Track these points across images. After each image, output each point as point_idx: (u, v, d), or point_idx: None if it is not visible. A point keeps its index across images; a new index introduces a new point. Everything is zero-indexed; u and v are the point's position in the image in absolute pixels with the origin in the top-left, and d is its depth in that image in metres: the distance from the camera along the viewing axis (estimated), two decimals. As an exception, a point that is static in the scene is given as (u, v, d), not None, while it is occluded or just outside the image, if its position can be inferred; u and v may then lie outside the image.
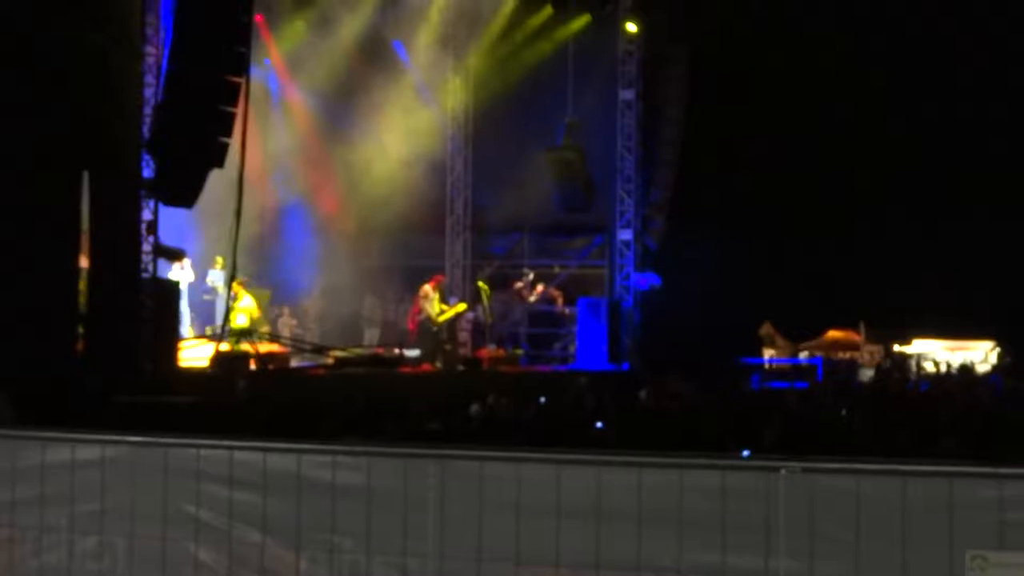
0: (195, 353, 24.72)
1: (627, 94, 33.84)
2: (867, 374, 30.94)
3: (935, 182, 32.31)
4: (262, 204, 30.75)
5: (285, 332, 30.80)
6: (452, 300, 31.79)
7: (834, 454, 9.06)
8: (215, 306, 28.49)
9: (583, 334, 32.70)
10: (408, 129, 34.02)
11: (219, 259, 28.36)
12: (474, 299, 32.88)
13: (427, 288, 30.57)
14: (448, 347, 30.70)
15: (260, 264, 30.19)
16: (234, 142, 21.45)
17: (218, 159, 21.31)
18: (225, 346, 23.85)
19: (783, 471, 8.39)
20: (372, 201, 33.24)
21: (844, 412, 18.58)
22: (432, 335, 30.47)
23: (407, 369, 27.65)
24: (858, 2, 32.25)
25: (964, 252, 31.79)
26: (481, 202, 35.60)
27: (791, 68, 32.62)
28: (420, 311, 30.92)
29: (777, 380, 29.60)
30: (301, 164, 34.00)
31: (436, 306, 30.39)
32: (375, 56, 33.68)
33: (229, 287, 24.46)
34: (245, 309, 27.43)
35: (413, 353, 29.89)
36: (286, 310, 32.08)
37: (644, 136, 33.92)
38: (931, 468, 8.41)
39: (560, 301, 34.33)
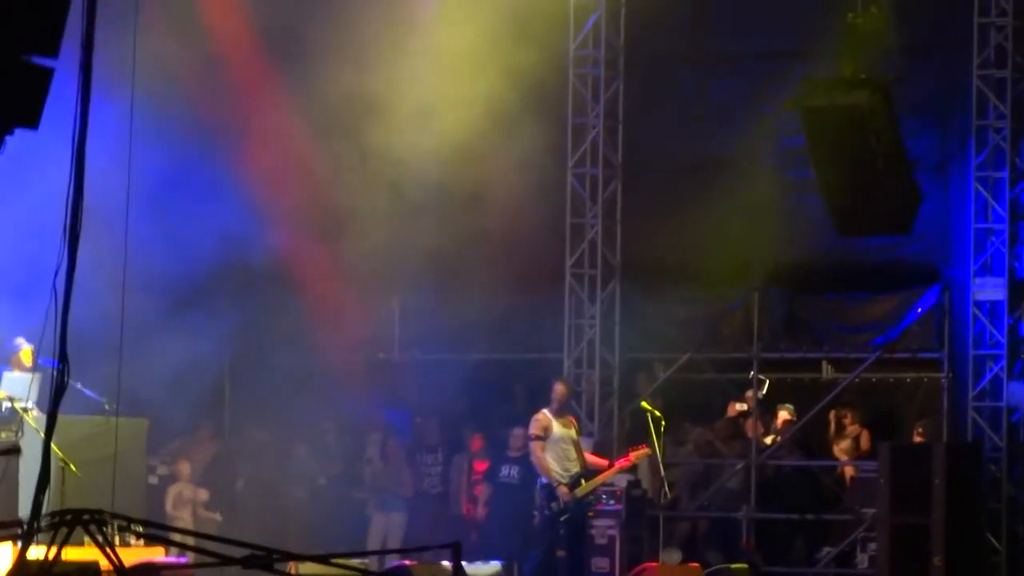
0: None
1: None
2: None
3: None
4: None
5: (185, 516, 21.46)
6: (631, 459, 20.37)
7: None
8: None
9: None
10: (473, 58, 20.62)
11: (24, 348, 20.18)
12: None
13: (546, 416, 19.16)
14: (563, 553, 19.40)
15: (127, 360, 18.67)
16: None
17: (26, 110, 12.17)
18: (41, 547, 13.01)
19: None
20: (385, 217, 21.54)
21: None
22: (545, 524, 19.21)
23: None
24: None
25: None
26: (645, 215, 21.42)
27: None
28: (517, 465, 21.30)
29: None
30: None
31: (570, 454, 19.29)
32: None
33: (54, 406, 12.57)
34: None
35: (485, 570, 20.18)
36: (185, 468, 21.20)
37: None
38: None
39: (840, 444, 22.28)
